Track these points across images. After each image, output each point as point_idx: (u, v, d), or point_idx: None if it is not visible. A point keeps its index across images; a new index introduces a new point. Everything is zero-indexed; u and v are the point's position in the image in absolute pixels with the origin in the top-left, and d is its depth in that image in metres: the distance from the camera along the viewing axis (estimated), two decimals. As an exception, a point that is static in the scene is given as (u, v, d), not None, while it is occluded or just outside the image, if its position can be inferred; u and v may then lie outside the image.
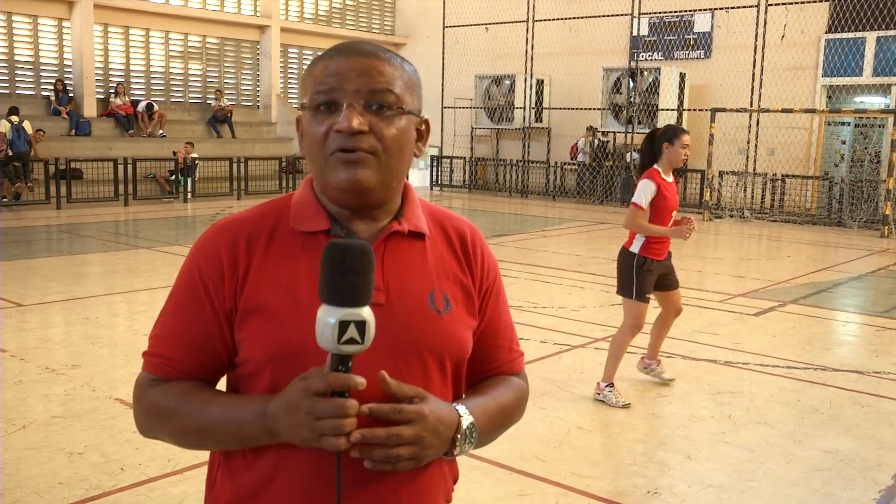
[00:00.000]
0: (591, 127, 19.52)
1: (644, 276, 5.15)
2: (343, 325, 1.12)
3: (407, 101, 1.33)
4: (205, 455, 1.47)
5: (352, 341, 1.13)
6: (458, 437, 1.30)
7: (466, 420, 1.32)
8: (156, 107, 19.18)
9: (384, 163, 1.30)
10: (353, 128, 1.26)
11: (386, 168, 1.31)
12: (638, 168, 5.37)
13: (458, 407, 1.33)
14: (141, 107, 19.01)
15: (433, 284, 1.39)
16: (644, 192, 5.11)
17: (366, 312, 1.14)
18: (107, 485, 3.78)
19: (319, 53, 1.37)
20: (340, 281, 1.13)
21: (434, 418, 1.25)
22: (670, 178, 5.22)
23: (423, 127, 1.39)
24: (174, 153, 17.51)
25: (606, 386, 5.13)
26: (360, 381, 1.16)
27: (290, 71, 23.06)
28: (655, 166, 5.20)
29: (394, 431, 1.22)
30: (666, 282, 5.37)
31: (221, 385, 1.42)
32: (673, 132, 5.16)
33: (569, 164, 19.93)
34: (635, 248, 5.18)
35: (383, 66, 1.30)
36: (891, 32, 16.30)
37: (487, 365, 1.51)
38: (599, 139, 19.55)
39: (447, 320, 1.38)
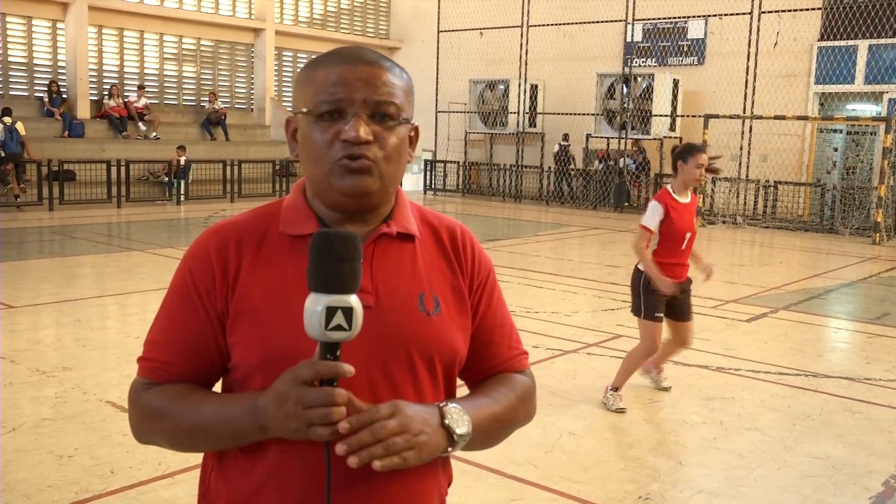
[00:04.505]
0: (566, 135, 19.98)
1: (651, 295, 4.94)
2: (330, 312, 1.14)
3: (406, 110, 1.36)
4: (196, 458, 1.47)
5: (339, 328, 1.14)
6: (447, 421, 1.28)
7: (449, 405, 1.31)
8: (144, 96, 19.14)
9: (385, 170, 1.33)
10: (360, 137, 1.29)
11: (388, 175, 1.34)
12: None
13: (440, 403, 1.32)
14: (132, 97, 19.02)
15: (423, 286, 1.39)
16: (651, 214, 4.94)
17: (353, 300, 1.15)
18: (97, 488, 3.76)
19: (316, 56, 1.38)
20: (328, 268, 1.15)
21: (411, 409, 1.24)
22: (685, 199, 4.99)
23: (413, 133, 1.42)
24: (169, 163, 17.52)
25: (612, 390, 5.12)
26: (349, 368, 1.16)
27: (284, 74, 23.05)
28: (667, 186, 5.01)
29: (377, 425, 1.20)
30: (676, 311, 5.11)
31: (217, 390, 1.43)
32: (687, 150, 4.94)
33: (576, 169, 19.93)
34: (643, 265, 5.00)
35: (386, 76, 1.33)
36: (882, 41, 16.38)
37: (487, 363, 1.50)
38: (561, 144, 19.87)
39: (437, 322, 1.38)
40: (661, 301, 4.98)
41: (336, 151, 1.31)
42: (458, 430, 1.30)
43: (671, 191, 4.99)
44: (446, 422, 1.29)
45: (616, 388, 5.12)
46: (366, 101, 1.30)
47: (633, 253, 5.07)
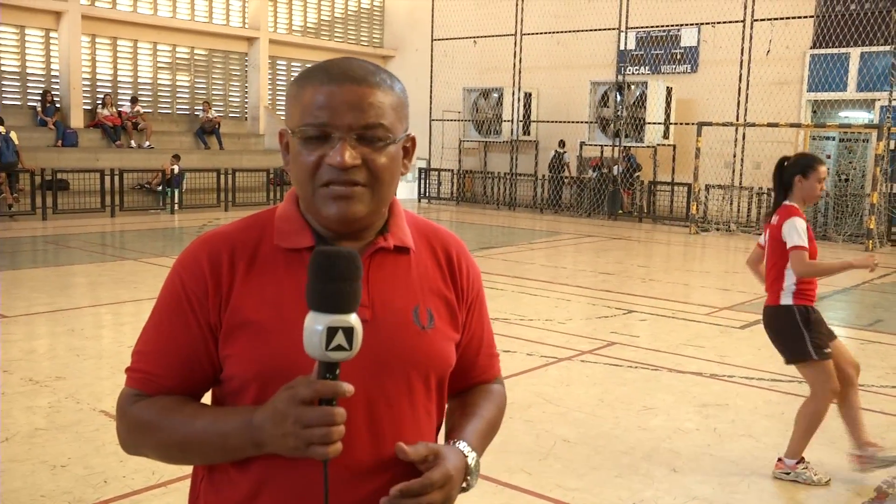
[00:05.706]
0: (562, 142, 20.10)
1: (815, 326, 4.20)
2: (331, 332, 1.13)
3: (397, 129, 1.32)
4: (189, 467, 1.46)
5: (339, 348, 1.13)
6: (469, 477, 1.35)
7: (472, 458, 1.36)
8: (138, 106, 19.15)
9: (376, 192, 1.31)
10: (346, 163, 1.26)
11: (378, 197, 1.32)
12: (772, 205, 4.57)
13: (460, 446, 1.36)
14: (126, 107, 19.02)
15: (417, 299, 1.39)
16: (799, 231, 4.21)
17: (353, 319, 1.14)
18: (90, 498, 3.75)
19: (305, 69, 1.35)
20: (329, 287, 1.13)
21: (456, 474, 1.30)
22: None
23: (410, 144, 1.39)
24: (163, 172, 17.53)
25: (797, 463, 4.25)
26: (348, 388, 1.16)
27: (278, 83, 23.06)
28: (790, 202, 4.36)
29: (425, 501, 1.26)
30: (830, 334, 4.36)
31: (206, 402, 1.42)
32: (808, 164, 4.36)
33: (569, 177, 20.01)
34: (787, 299, 4.24)
35: (374, 95, 1.29)
36: (874, 48, 16.47)
37: (469, 373, 1.53)
38: (557, 151, 20.01)
39: (431, 336, 1.38)
40: (826, 330, 4.26)
41: (322, 175, 1.28)
42: (470, 486, 1.37)
43: (798, 207, 4.38)
44: (468, 478, 1.35)
45: (801, 460, 4.27)
46: (351, 126, 1.27)
47: (814, 275, 4.28)
